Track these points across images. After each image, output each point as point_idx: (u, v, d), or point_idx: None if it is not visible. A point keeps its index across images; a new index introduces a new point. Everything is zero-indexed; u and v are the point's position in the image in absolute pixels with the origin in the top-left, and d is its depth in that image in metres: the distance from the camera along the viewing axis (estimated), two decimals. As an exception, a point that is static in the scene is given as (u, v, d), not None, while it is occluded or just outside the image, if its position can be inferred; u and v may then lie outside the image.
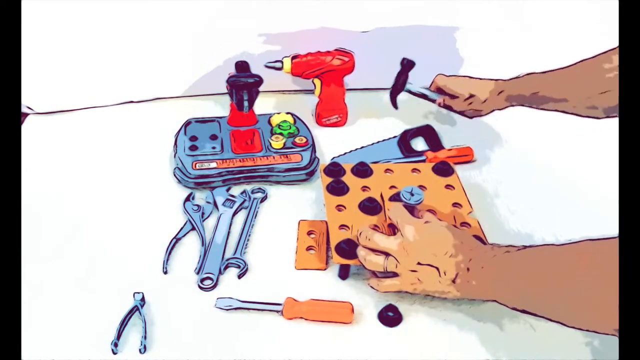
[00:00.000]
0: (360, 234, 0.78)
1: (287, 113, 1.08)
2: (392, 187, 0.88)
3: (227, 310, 0.78)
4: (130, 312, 0.76)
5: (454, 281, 0.70)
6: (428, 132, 1.10)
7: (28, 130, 1.12)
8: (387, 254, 0.75)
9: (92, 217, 0.92)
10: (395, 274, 0.74)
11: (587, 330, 0.60)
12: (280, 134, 1.03)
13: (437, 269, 0.71)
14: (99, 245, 0.87)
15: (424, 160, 1.03)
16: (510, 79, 1.01)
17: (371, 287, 0.78)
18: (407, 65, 1.10)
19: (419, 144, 1.10)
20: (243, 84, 1.02)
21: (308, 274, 0.84)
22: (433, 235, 0.74)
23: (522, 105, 1.00)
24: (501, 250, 0.69)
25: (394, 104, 1.13)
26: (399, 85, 1.11)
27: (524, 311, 0.66)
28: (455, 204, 0.87)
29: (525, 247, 0.68)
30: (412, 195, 0.81)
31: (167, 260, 0.85)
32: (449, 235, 0.73)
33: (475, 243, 0.73)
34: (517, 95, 0.99)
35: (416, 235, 0.74)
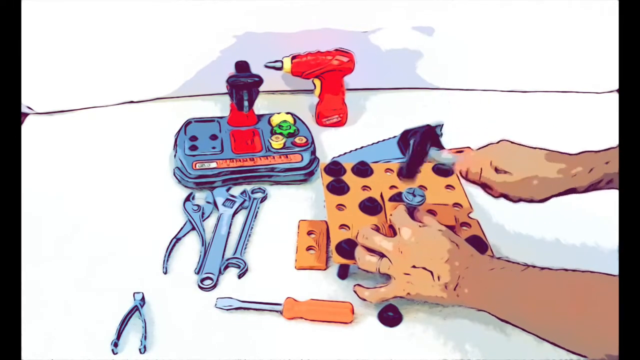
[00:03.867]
0: (359, 232, 0.78)
1: (287, 113, 1.08)
2: (393, 187, 0.88)
3: (227, 310, 0.78)
4: (130, 312, 0.76)
5: (446, 286, 0.70)
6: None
7: (28, 130, 1.12)
8: (382, 255, 0.75)
9: (92, 217, 0.92)
10: (387, 278, 0.74)
11: (578, 354, 0.60)
12: (280, 134, 1.03)
13: (431, 272, 0.70)
14: (99, 245, 0.87)
15: (424, 161, 1.03)
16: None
17: (362, 298, 0.77)
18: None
19: (419, 144, 1.10)
20: (243, 84, 1.02)
21: (308, 274, 0.84)
22: (430, 239, 0.73)
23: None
24: (499, 265, 0.68)
25: (412, 175, 0.82)
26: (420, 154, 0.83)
27: (514, 325, 0.66)
28: (455, 204, 0.87)
29: (521, 266, 0.66)
30: (415, 196, 0.80)
31: (167, 260, 0.85)
32: (446, 241, 0.72)
33: (473, 251, 0.72)
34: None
35: (412, 238, 0.73)
